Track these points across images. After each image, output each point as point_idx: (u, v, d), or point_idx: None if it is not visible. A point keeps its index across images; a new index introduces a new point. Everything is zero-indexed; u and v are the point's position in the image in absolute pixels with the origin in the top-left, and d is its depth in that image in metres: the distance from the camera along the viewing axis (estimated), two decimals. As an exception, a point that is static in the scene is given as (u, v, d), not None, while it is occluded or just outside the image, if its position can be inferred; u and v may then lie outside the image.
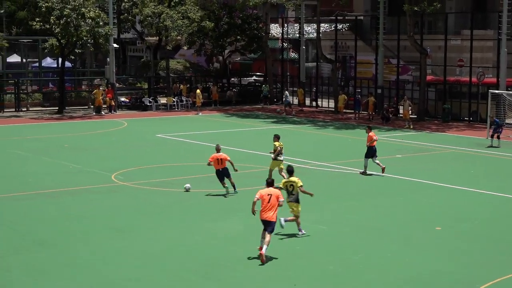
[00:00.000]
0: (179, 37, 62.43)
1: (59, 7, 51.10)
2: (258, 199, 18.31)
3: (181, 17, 57.19)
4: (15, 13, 79.79)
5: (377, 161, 29.65)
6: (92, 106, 55.70)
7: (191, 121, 50.29)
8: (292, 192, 20.18)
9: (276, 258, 18.14)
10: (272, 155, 27.39)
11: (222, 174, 25.53)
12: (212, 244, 19.65)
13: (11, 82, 59.44)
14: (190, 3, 58.96)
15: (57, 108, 54.77)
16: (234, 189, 25.72)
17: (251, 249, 18.58)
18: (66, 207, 23.96)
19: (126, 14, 67.51)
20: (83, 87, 63.45)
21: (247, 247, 18.98)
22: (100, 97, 54.19)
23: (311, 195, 20.71)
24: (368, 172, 29.63)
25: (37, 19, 51.84)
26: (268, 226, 18.18)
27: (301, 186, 20.16)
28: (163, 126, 46.12)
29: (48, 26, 51.27)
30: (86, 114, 54.11)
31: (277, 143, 27.33)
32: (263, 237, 18.12)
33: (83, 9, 51.69)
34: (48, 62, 66.00)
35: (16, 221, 21.88)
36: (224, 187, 25.63)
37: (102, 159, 33.56)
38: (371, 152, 29.76)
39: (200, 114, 53.70)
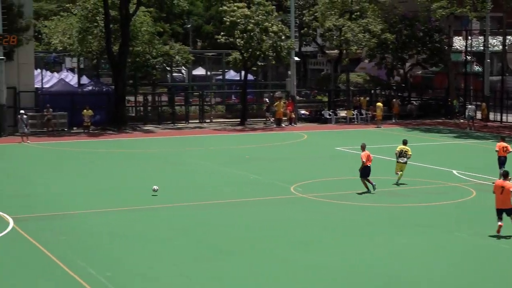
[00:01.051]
0: (359, 51, 62.11)
1: (243, 21, 52.19)
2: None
3: (362, 30, 56.83)
4: (201, 27, 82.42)
5: None
6: (273, 119, 56.40)
7: (371, 134, 49.72)
8: None
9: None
10: (400, 159, 29.71)
11: (367, 171, 27.63)
12: (396, 261, 19.09)
13: (196, 94, 61.32)
14: (371, 15, 58.50)
15: (239, 120, 55.91)
16: (368, 189, 27.83)
17: (431, 268, 17.92)
18: (244, 217, 24.16)
19: (306, 29, 68.02)
20: (264, 99, 64.37)
21: (429, 267, 18.33)
22: (281, 110, 54.80)
23: None
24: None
25: (222, 33, 53.17)
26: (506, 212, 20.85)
27: None
28: (343, 139, 45.90)
29: (232, 40, 52.49)
30: (267, 126, 54.83)
31: (400, 147, 29.86)
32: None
33: (266, 23, 52.53)
34: (231, 75, 67.57)
35: (195, 230, 22.29)
36: (371, 184, 27.70)
37: (281, 170, 33.74)
38: None
39: (382, 127, 53.05)
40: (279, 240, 21.04)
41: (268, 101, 58.38)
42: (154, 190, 27.41)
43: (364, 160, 27.54)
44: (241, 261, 18.95)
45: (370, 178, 27.73)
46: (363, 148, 28.17)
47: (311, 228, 22.65)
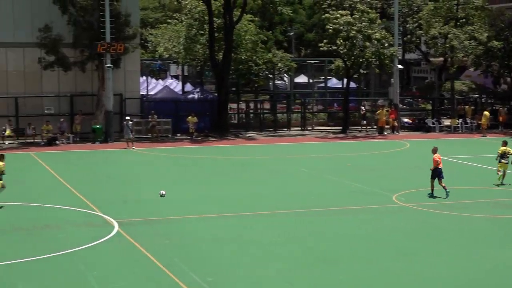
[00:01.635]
0: (465, 58, 60.86)
1: (346, 29, 51.90)
2: None
3: (468, 38, 55.65)
4: (303, 35, 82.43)
5: None
6: (375, 127, 55.84)
7: (476, 143, 48.58)
8: None
9: None
10: (503, 160, 30.80)
11: (437, 173, 28.28)
12: (502, 275, 18.53)
13: (298, 102, 61.32)
14: (478, 22, 57.22)
15: (340, 127, 55.59)
16: (432, 192, 28.40)
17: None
18: (347, 225, 23.95)
19: (409, 36, 67.12)
20: (360, 107, 63.85)
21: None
22: (383, 118, 54.22)
23: None
24: None
25: (325, 41, 53.01)
26: None
27: None
28: (446, 148, 44.88)
29: (334, 48, 52.26)
30: (369, 134, 54.34)
31: (502, 148, 30.97)
32: None
33: (369, 30, 52.08)
34: (333, 82, 67.27)
35: (299, 236, 22.21)
36: (445, 191, 28.05)
37: (384, 179, 33.31)
38: None
39: (487, 136, 51.77)
40: (382, 250, 20.76)
41: (364, 109, 57.84)
42: (161, 195, 28.18)
43: (438, 161, 28.40)
44: (344, 270, 18.73)
45: (444, 183, 28.30)
46: (434, 151, 28.80)
47: (415, 238, 22.26)
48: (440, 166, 28.32)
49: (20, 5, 48.03)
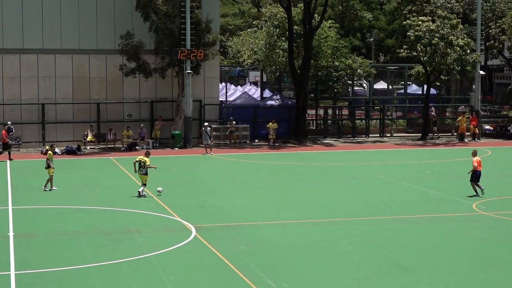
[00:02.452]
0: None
1: (427, 35, 51.29)
2: None
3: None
4: (383, 41, 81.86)
5: None
6: (455, 134, 54.98)
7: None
8: None
9: None
10: None
11: (477, 175, 29.49)
12: None
13: (377, 108, 60.86)
14: None
15: (420, 134, 54.95)
16: (476, 193, 29.63)
17: None
18: (426, 233, 23.56)
19: (492, 41, 65.92)
20: (447, 113, 63.00)
21: None
22: (464, 124, 53.37)
23: None
24: None
25: (405, 46, 52.51)
26: None
27: None
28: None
29: (415, 54, 51.72)
30: (449, 141, 53.54)
31: None
32: None
33: (451, 37, 51.37)
34: (413, 89, 66.61)
35: (375, 244, 21.99)
36: (480, 189, 29.46)
37: (462, 187, 32.58)
38: None
39: None
40: (461, 259, 20.40)
41: (435, 115, 56.87)
42: (159, 191, 29.50)
43: (476, 165, 29.56)
44: (420, 278, 18.47)
45: (479, 183, 29.65)
46: (474, 154, 30.05)
47: (495, 248, 21.78)
48: (479, 169, 29.64)
49: (102, 13, 49.05)
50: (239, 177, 36.29)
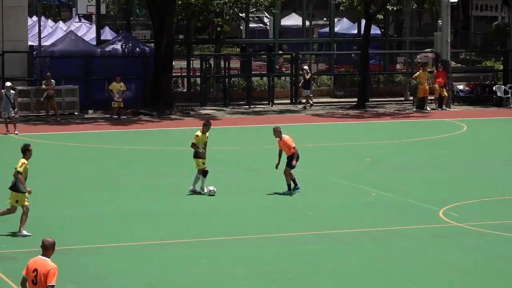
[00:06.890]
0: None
1: None
2: None
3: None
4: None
5: None
6: (411, 98, 55.70)
7: None
8: None
9: None
10: None
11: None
12: None
13: (286, 58, 61.23)
14: None
15: (355, 100, 55.37)
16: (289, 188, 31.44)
17: None
18: (361, 259, 23.90)
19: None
20: (397, 66, 63.80)
21: None
22: (426, 84, 53.97)
23: None
24: None
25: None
26: None
27: None
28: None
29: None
30: (401, 110, 54.25)
31: None
32: None
33: None
34: (344, 26, 67.47)
35: None
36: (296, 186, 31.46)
37: (423, 183, 33.30)
38: None
39: None
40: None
41: (308, 70, 56.14)
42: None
43: (293, 145, 31.24)
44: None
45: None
46: (279, 133, 31.24)
47: (475, 282, 22.26)
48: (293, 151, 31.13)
49: None
50: (62, 173, 35.81)
